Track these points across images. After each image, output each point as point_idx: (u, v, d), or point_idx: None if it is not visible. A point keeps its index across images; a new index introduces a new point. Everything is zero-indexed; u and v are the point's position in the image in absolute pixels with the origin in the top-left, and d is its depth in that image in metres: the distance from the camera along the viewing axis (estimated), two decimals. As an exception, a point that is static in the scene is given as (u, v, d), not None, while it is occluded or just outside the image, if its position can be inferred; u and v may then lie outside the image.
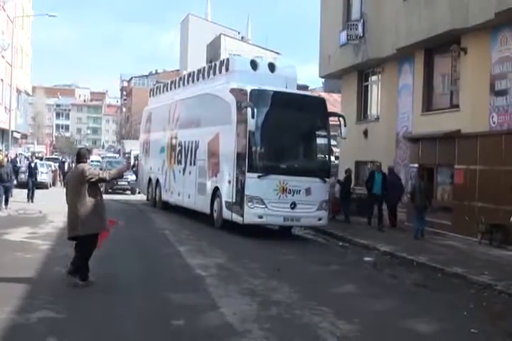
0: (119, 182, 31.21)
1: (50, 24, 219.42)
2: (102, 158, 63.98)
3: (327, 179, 16.70)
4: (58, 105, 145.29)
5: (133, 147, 69.26)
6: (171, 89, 24.43)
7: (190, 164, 20.12)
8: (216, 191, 17.56)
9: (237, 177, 16.08)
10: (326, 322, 7.77)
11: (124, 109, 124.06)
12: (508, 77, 15.51)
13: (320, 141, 17.55)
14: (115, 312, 7.80)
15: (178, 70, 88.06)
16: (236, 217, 16.06)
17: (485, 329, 8.07)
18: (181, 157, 21.21)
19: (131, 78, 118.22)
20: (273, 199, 15.63)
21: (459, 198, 17.35)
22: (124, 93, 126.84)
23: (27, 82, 53.63)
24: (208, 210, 18.13)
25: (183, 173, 20.83)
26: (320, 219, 16.43)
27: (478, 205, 16.38)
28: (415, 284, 10.90)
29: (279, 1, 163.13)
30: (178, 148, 21.70)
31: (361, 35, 22.10)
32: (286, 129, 16.59)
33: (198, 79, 21.16)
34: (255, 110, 15.00)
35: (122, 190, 34.41)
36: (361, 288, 10.34)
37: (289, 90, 17.54)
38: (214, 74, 19.53)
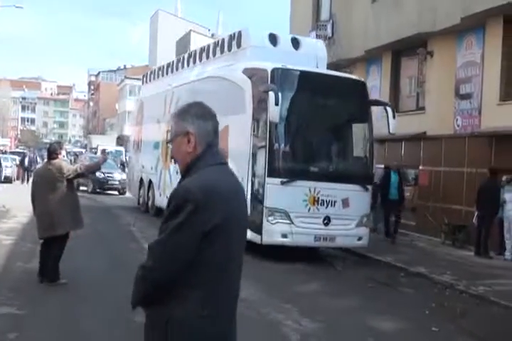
0: (109, 182, 28.24)
1: (16, 15, 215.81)
2: (68, 152, 63.26)
3: (369, 186, 12.87)
4: (24, 98, 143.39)
5: (100, 142, 69.06)
6: (167, 73, 20.27)
7: None
8: None
9: (252, 183, 12.18)
10: (290, 319, 7.84)
11: (91, 104, 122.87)
12: (472, 81, 15.79)
13: (360, 136, 13.45)
14: (77, 308, 7.78)
15: (147, 65, 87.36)
16: (251, 235, 11.47)
17: (446, 328, 8.25)
18: None
19: (99, 73, 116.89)
20: (301, 213, 11.82)
21: (424, 199, 17.63)
22: (92, 87, 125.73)
23: (-8, 74, 53.15)
24: None
25: None
26: (360, 239, 12.50)
27: (441, 206, 16.66)
28: (379, 283, 11.01)
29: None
30: None
31: (330, 35, 22.16)
32: (318, 121, 12.93)
33: (200, 60, 17.26)
34: (279, 95, 11.15)
35: (113, 190, 30.16)
36: (325, 287, 10.43)
37: (320, 70, 13.67)
38: (222, 52, 15.55)
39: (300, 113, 12.46)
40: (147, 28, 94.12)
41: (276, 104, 11.02)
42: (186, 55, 18.89)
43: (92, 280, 9.41)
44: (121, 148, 58.44)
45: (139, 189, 20.80)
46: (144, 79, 23.41)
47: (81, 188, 27.91)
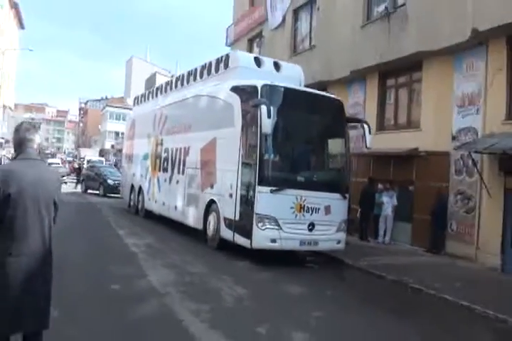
0: (118, 188, 23.87)
1: (27, 56, 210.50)
2: (63, 160, 61.60)
3: (347, 195, 10.96)
4: (32, 119, 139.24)
5: (87, 153, 68.15)
6: (156, 95, 17.89)
7: (178, 172, 13.90)
8: (211, 204, 11.56)
9: (242, 191, 10.28)
10: (226, 287, 7.82)
11: (81, 124, 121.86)
12: (358, 116, 15.83)
13: (339, 149, 11.44)
14: (65, 278, 7.47)
15: (122, 97, 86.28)
16: (241, 239, 10.22)
17: (337, 291, 8.40)
18: (167, 164, 14.91)
19: (87, 101, 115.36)
20: (289, 219, 9.96)
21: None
22: (82, 112, 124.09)
23: (11, 100, 52.69)
24: (200, 225, 12.07)
25: (169, 182, 14.52)
26: (339, 242, 10.73)
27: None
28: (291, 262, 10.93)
29: (205, 47, 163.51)
30: (163, 155, 15.35)
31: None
32: (303, 134, 10.98)
33: (188, 83, 14.88)
34: (271, 108, 9.45)
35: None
36: (255, 263, 10.10)
37: (305, 88, 11.71)
38: (209, 74, 13.38)
39: (287, 126, 10.40)
40: (124, 68, 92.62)
41: (269, 116, 9.34)
42: (174, 79, 16.54)
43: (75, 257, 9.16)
44: (103, 159, 58.10)
45: (130, 194, 18.64)
46: (136, 100, 20.64)
47: (92, 191, 27.50)
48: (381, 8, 15.49)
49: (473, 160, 11.90)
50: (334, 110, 11.15)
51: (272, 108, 9.43)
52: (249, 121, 10.28)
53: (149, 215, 16.29)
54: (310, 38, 20.00)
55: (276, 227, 9.82)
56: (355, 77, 16.54)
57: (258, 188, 9.80)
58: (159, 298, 6.83)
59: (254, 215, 9.80)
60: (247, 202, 10.09)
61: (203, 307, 6.53)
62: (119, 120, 75.97)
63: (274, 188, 9.78)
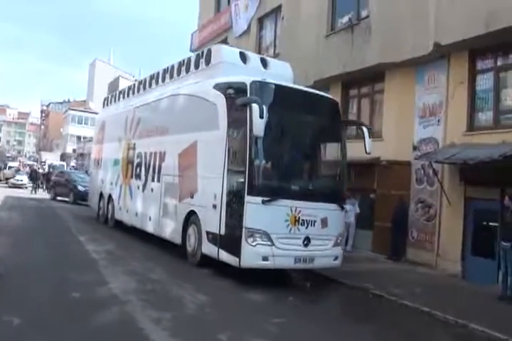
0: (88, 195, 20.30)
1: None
2: (24, 164, 60.18)
3: (345, 206, 10.03)
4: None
5: (48, 157, 66.89)
6: (128, 95, 16.13)
7: (153, 180, 12.42)
8: (191, 216, 10.21)
9: (228, 201, 8.91)
10: (188, 294, 7.70)
11: (42, 127, 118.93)
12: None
13: (336, 154, 10.02)
14: (26, 286, 7.29)
15: (84, 101, 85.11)
16: (227, 257, 8.89)
17: (298, 298, 8.39)
18: (140, 171, 13.41)
19: (49, 103, 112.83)
20: (282, 234, 8.62)
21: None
22: (43, 115, 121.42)
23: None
24: (178, 239, 10.68)
25: (143, 190, 13.03)
26: (336, 258, 9.46)
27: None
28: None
29: (169, 52, 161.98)
30: (136, 161, 13.82)
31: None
32: (298, 138, 9.59)
33: (163, 81, 13.34)
34: (263, 107, 8.12)
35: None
36: (216, 271, 9.70)
37: (298, 86, 10.09)
38: (187, 71, 11.86)
39: (280, 129, 9.04)
40: (87, 71, 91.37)
41: (261, 116, 8.01)
42: (148, 78, 14.73)
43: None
44: (64, 163, 57.17)
45: (99, 202, 16.99)
46: (106, 101, 18.70)
47: (62, 198, 26.34)
48: (345, 19, 15.71)
49: (433, 169, 12.15)
50: (331, 111, 9.96)
51: (263, 107, 8.10)
52: (237, 122, 8.93)
53: (120, 225, 14.97)
54: (274, 46, 20.19)
55: (269, 243, 8.50)
56: (319, 87, 16.63)
57: (247, 198, 8.44)
58: (121, 306, 6.70)
59: (244, 229, 8.43)
60: (234, 214, 8.74)
61: (164, 315, 6.45)
62: (81, 124, 74.85)
63: (266, 198, 8.42)
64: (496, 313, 8.29)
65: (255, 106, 8.15)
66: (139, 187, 13.43)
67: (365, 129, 9.90)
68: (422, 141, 13.05)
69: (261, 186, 8.55)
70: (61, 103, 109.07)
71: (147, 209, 12.68)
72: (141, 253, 11.38)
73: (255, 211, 8.47)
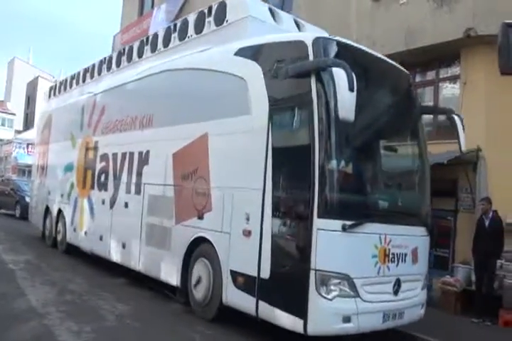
0: None
1: None
2: None
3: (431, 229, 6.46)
4: None
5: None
6: (84, 80, 11.92)
7: (128, 191, 8.58)
8: (198, 245, 6.64)
9: (277, 226, 5.37)
10: (108, 305, 7.03)
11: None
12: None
13: (420, 155, 6.51)
14: None
15: (2, 101, 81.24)
16: (278, 315, 5.22)
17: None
18: (106, 179, 9.49)
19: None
20: (369, 278, 5.27)
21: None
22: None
23: None
24: (174, 280, 7.06)
25: (111, 205, 9.14)
26: (422, 307, 6.17)
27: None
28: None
29: (91, 52, 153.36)
30: (99, 165, 9.86)
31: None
32: (383, 128, 6.10)
33: (141, 56, 9.40)
34: (353, 75, 4.70)
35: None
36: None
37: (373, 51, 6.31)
38: (182, 38, 8.10)
39: (368, 114, 5.66)
40: (5, 70, 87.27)
41: (351, 88, 4.64)
42: (116, 53, 10.65)
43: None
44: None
45: (44, 220, 12.74)
46: (52, 90, 14.10)
47: (6, 212, 21.49)
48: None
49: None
50: (412, 91, 6.76)
51: (353, 75, 4.73)
52: (290, 101, 5.53)
53: (71, 251, 11.07)
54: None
55: (352, 294, 5.10)
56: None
57: (318, 222, 4.97)
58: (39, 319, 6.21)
59: (313, 273, 4.95)
60: (290, 247, 5.32)
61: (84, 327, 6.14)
62: (-2, 125, 71.04)
63: (349, 223, 5.02)
64: None
65: (341, 73, 4.75)
66: (104, 202, 9.46)
67: (456, 118, 6.52)
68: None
69: (339, 204, 5.09)
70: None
71: (118, 232, 8.85)
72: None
73: (331, 242, 5.04)
